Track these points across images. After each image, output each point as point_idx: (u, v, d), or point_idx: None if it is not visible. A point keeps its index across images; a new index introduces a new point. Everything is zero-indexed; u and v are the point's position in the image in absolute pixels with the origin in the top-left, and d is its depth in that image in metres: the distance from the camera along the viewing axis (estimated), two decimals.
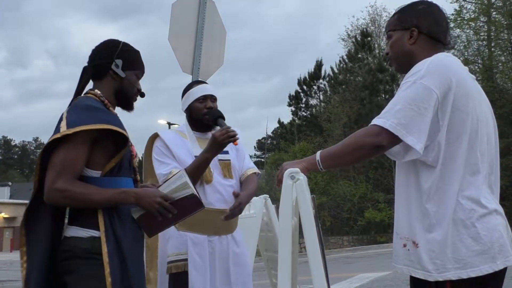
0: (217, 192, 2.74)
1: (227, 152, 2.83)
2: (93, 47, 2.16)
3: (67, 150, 1.92)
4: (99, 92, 2.09)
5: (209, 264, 2.70)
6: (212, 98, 2.85)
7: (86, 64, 2.15)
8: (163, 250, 2.82)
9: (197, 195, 2.05)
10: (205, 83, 3.01)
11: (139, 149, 2.37)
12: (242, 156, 2.96)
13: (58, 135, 1.91)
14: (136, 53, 2.19)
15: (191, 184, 2.04)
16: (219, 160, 2.79)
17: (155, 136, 2.87)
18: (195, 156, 2.70)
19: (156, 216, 2.00)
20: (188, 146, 2.80)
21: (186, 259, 2.67)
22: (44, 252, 1.97)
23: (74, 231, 1.97)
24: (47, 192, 1.92)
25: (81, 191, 1.92)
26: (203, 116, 2.80)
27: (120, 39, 2.19)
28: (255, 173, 2.93)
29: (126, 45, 2.16)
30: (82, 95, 2.13)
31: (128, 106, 2.18)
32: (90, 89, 2.13)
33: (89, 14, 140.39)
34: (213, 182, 2.74)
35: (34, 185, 1.99)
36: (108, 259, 1.90)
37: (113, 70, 2.09)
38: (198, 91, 2.85)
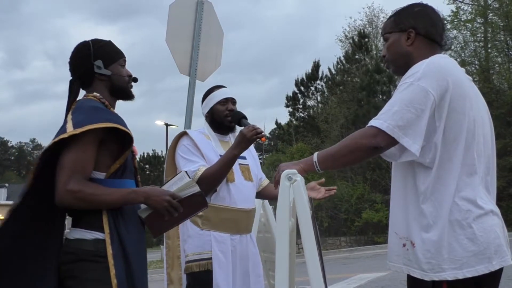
0: (240, 192, 2.84)
1: (245, 158, 2.95)
2: (68, 60, 2.14)
3: (76, 151, 1.91)
4: (98, 94, 2.09)
5: (232, 263, 2.77)
6: (233, 101, 2.97)
7: (71, 78, 2.14)
8: (181, 250, 2.89)
9: (203, 193, 2.06)
10: (225, 87, 3.08)
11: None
12: (258, 163, 3.10)
13: (65, 135, 1.89)
14: (109, 44, 2.16)
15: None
16: (239, 164, 2.90)
17: (181, 135, 2.93)
18: (221, 155, 2.79)
19: (163, 215, 2.00)
20: (213, 146, 2.88)
21: (209, 258, 2.72)
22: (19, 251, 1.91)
23: (77, 233, 1.96)
24: (60, 194, 1.89)
25: (92, 191, 1.90)
26: (225, 118, 2.91)
27: (100, 38, 2.17)
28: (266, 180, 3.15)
29: (96, 42, 2.13)
30: (83, 97, 2.12)
31: (127, 96, 2.18)
32: (87, 93, 2.12)
33: (87, 15, 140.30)
34: (236, 182, 2.84)
35: (28, 183, 1.93)
36: (113, 261, 1.89)
37: (98, 73, 2.09)
38: (219, 94, 2.96)
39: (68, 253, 1.95)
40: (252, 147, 3.03)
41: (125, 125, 2.01)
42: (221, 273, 2.69)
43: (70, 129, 1.89)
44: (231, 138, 3.00)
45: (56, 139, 1.90)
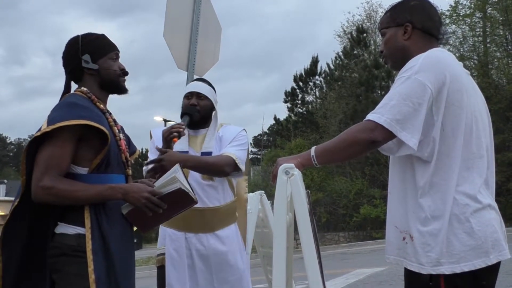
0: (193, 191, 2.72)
1: (210, 153, 2.81)
2: (62, 55, 2.14)
3: (51, 148, 1.92)
4: (85, 89, 2.09)
5: (187, 262, 2.72)
6: (199, 95, 2.85)
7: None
8: None
9: (186, 189, 2.01)
10: (202, 80, 3.01)
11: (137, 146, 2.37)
12: (232, 147, 2.83)
13: (38, 133, 1.92)
14: (99, 38, 2.15)
15: (181, 179, 2.02)
16: None
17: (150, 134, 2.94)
18: (181, 151, 2.71)
19: (145, 212, 1.99)
20: (179, 142, 2.75)
21: (164, 254, 2.76)
22: (22, 252, 1.96)
23: (62, 228, 1.97)
24: (34, 191, 1.91)
25: (66, 188, 1.91)
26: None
27: (87, 33, 2.16)
28: (229, 155, 2.74)
29: (85, 37, 2.12)
30: (70, 93, 2.13)
31: (118, 89, 2.17)
32: (77, 88, 2.13)
33: (86, 11, 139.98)
34: (189, 179, 2.67)
35: (22, 184, 1.97)
36: (93, 256, 1.90)
37: (86, 67, 2.09)
38: (187, 88, 2.92)
39: (53, 247, 1.97)
40: (230, 134, 2.85)
41: (101, 122, 1.99)
42: (174, 272, 2.68)
43: (44, 127, 1.91)
44: (209, 133, 2.87)
45: (31, 138, 1.93)
